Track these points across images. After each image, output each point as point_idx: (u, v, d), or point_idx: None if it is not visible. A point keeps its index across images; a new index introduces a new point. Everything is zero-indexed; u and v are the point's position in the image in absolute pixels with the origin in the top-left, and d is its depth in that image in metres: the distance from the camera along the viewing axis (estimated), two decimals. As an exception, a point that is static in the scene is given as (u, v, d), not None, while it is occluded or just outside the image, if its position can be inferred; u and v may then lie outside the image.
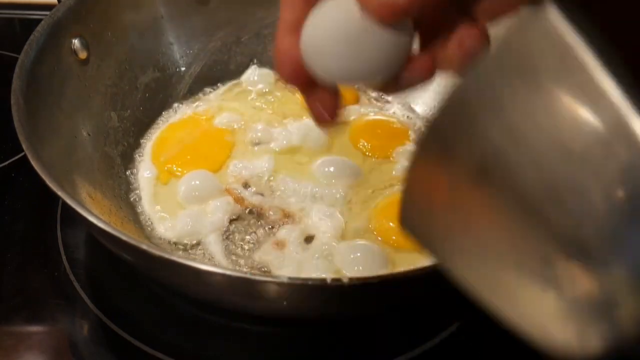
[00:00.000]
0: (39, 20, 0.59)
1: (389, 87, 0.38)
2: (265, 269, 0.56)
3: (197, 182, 0.63)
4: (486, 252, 0.29)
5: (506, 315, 0.28)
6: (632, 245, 0.24)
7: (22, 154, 0.53)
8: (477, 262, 0.29)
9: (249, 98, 0.75)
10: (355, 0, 0.34)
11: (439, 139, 0.30)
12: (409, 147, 0.69)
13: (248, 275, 0.41)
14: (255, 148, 0.68)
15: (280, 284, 0.41)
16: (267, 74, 0.77)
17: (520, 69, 0.27)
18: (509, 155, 0.27)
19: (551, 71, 0.26)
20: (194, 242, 0.58)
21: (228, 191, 0.62)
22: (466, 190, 0.29)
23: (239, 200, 0.61)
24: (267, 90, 0.76)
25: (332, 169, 0.65)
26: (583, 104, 0.25)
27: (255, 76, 0.76)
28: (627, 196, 0.24)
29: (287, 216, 0.61)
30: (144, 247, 0.42)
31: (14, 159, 0.70)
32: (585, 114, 0.25)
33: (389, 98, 0.77)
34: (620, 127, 0.24)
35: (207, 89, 0.77)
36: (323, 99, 0.40)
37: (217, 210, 0.60)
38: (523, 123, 0.26)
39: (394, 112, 0.75)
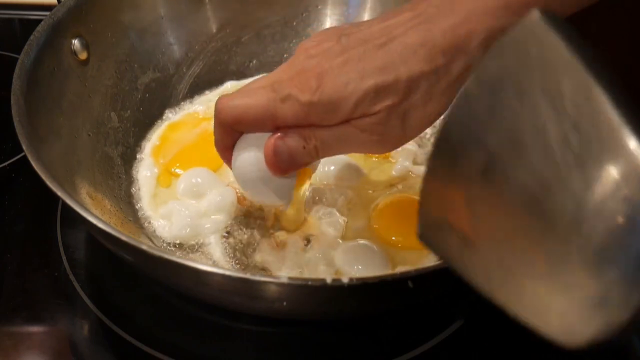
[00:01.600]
0: (39, 21, 0.59)
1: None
2: (266, 270, 0.56)
3: (198, 179, 0.62)
4: (496, 250, 0.30)
5: (514, 308, 0.30)
6: (623, 248, 0.26)
7: (22, 154, 0.53)
8: (488, 260, 0.31)
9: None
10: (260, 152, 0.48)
11: (447, 143, 0.32)
12: (408, 146, 0.69)
13: (248, 276, 0.41)
14: (256, 148, 0.68)
15: (280, 285, 0.41)
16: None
17: (513, 77, 0.29)
18: (507, 156, 0.29)
19: (540, 80, 0.29)
20: (194, 242, 0.58)
21: (231, 186, 0.62)
22: (475, 194, 0.31)
23: (239, 199, 0.61)
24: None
25: (332, 167, 0.65)
26: (567, 111, 0.28)
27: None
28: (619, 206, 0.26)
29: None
30: (144, 247, 0.42)
31: (14, 159, 0.70)
32: (566, 120, 0.27)
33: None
34: (605, 130, 0.26)
35: (207, 89, 0.77)
36: None
37: (217, 210, 0.60)
38: (519, 127, 0.29)
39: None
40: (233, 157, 0.51)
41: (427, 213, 0.34)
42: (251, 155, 0.49)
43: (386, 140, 0.46)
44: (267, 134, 0.47)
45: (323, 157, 0.48)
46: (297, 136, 0.46)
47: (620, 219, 0.26)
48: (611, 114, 0.27)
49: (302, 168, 0.50)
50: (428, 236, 0.34)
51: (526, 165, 0.28)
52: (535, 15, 0.29)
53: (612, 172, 0.26)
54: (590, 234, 0.27)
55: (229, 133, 0.50)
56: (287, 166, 0.48)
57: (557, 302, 0.28)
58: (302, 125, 0.46)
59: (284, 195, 0.53)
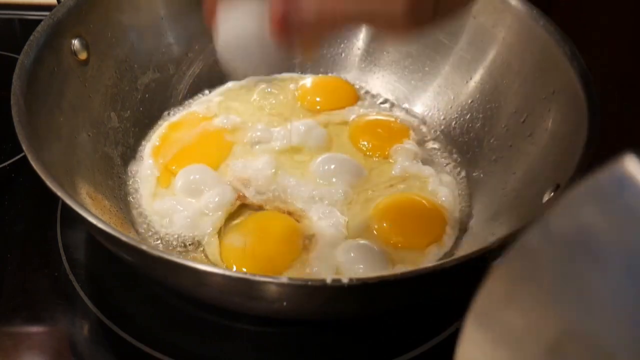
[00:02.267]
0: (38, 21, 0.59)
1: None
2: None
3: (197, 176, 0.62)
4: None
5: None
6: None
7: (22, 154, 0.53)
8: None
9: (250, 98, 0.75)
10: None
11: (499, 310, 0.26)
12: (408, 145, 0.69)
13: (248, 276, 0.41)
14: (256, 147, 0.68)
15: (280, 285, 0.41)
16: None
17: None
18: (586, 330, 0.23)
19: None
20: (194, 242, 0.58)
21: (232, 184, 0.62)
22: None
23: (240, 198, 0.62)
24: (269, 90, 0.76)
25: (332, 166, 0.65)
26: None
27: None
28: None
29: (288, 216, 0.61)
30: (144, 247, 0.42)
31: (14, 159, 0.70)
32: None
33: (390, 97, 0.77)
34: None
35: (207, 89, 0.77)
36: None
37: (217, 209, 0.60)
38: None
39: (393, 112, 0.75)
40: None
41: None
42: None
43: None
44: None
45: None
46: None
47: None
48: None
49: None
50: None
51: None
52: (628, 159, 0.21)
53: None
54: None
55: None
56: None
57: None
58: None
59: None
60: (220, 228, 0.59)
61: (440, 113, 0.74)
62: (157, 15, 0.73)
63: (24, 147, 0.48)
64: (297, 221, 0.60)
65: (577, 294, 0.23)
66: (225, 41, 0.44)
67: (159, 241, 0.59)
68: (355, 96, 0.77)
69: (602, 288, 0.22)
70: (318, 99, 0.75)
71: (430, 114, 0.75)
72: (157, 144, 0.68)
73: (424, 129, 0.73)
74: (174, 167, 0.65)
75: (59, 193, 0.45)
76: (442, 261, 0.57)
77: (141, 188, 0.64)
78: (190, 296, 0.53)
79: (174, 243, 0.59)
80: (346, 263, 0.56)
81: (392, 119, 0.73)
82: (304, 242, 0.58)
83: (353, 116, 0.73)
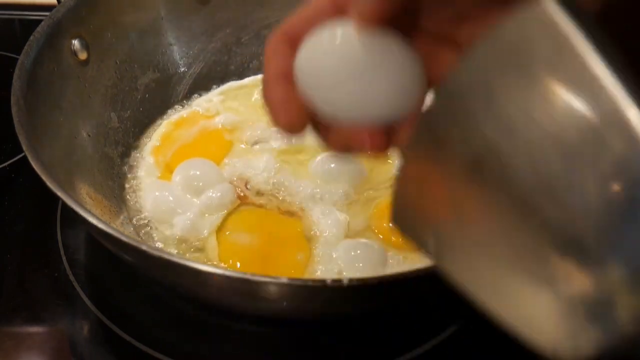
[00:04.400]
0: (39, 21, 0.59)
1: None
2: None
3: (197, 172, 0.62)
4: (479, 250, 0.28)
5: (499, 314, 0.28)
6: (630, 241, 0.24)
7: (22, 154, 0.53)
8: (471, 260, 0.29)
9: (251, 98, 0.75)
10: (348, 22, 0.32)
11: (430, 133, 0.29)
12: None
13: (248, 276, 0.41)
14: (256, 147, 0.68)
15: (280, 285, 0.41)
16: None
17: (514, 58, 0.26)
18: (503, 148, 0.26)
19: (546, 61, 0.25)
20: (195, 241, 0.58)
21: (232, 183, 0.62)
22: (459, 185, 0.28)
23: (240, 197, 0.62)
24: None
25: (332, 165, 0.65)
26: (579, 95, 0.24)
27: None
28: (623, 190, 0.23)
29: (288, 215, 0.61)
30: (144, 247, 0.42)
31: (14, 159, 0.70)
32: (581, 106, 0.24)
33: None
34: (615, 118, 0.23)
35: (208, 89, 0.77)
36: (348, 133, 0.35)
37: (217, 209, 0.60)
38: (517, 115, 0.25)
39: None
40: (299, 70, 0.34)
41: (403, 198, 0.31)
42: (333, 35, 0.33)
43: None
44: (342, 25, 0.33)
45: None
46: None
47: (623, 200, 0.23)
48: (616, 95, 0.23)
49: None
50: (402, 221, 0.32)
51: (524, 156, 0.25)
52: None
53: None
54: (589, 227, 0.24)
55: (289, 47, 0.35)
56: None
57: (548, 307, 0.25)
58: None
59: (396, 92, 0.34)
60: (220, 228, 0.59)
61: (440, 113, 0.74)
62: (157, 16, 0.73)
63: (24, 147, 0.48)
64: (297, 220, 0.60)
65: (499, 113, 0.26)
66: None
67: (159, 241, 0.59)
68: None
69: (521, 108, 0.25)
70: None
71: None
72: (157, 143, 0.68)
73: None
74: (173, 168, 0.65)
75: (59, 193, 0.45)
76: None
77: (141, 188, 0.64)
78: (190, 296, 0.53)
79: (174, 243, 0.59)
80: (346, 262, 0.56)
81: (392, 119, 0.73)
82: (304, 241, 0.58)
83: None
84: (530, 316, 0.27)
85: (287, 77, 0.34)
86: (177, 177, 0.62)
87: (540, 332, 0.26)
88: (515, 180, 0.26)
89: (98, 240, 0.48)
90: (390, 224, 0.32)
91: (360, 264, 0.56)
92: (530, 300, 0.26)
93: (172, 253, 0.57)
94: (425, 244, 0.31)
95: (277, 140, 0.68)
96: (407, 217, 0.31)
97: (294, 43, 0.35)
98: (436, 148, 0.29)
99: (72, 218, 0.62)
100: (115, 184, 0.63)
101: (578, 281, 0.25)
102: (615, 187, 0.23)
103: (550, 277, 0.25)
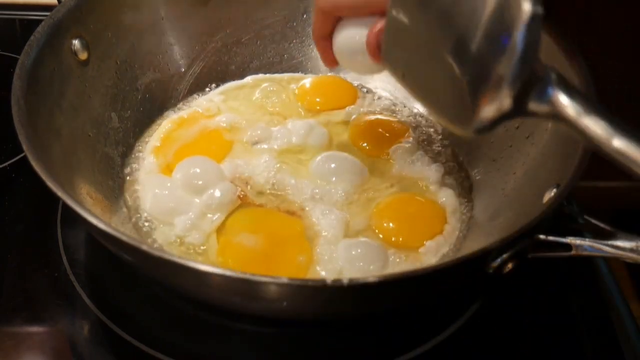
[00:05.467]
0: (39, 21, 0.59)
1: None
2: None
3: (197, 170, 0.62)
4: (421, 61, 0.43)
5: (427, 104, 0.45)
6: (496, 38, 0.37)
7: (23, 154, 0.53)
8: (417, 70, 0.44)
9: (251, 97, 0.75)
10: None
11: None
12: (407, 145, 0.69)
13: (248, 276, 0.40)
14: (256, 147, 0.68)
15: (280, 285, 0.41)
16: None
17: None
18: None
19: None
20: (195, 241, 0.58)
21: (233, 182, 0.62)
22: (414, 18, 0.43)
23: (240, 197, 0.62)
24: (271, 89, 0.76)
25: (333, 165, 0.65)
26: None
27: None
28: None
29: (288, 215, 0.61)
30: (144, 247, 0.42)
31: (14, 159, 0.70)
32: None
33: (390, 97, 0.77)
34: None
35: (208, 89, 0.77)
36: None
37: (218, 209, 0.60)
38: None
39: (394, 111, 0.75)
40: (335, 37, 0.58)
41: (387, 42, 0.45)
42: (352, 35, 0.56)
43: None
44: (366, 19, 0.54)
45: None
46: None
47: None
48: None
49: None
50: (387, 53, 0.46)
51: None
52: None
53: None
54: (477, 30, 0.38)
55: (327, 20, 0.57)
56: None
57: (451, 94, 0.40)
58: None
59: (374, 68, 0.57)
60: (220, 227, 0.59)
61: (441, 113, 0.74)
62: (158, 16, 0.73)
63: (24, 147, 0.48)
64: (298, 220, 0.60)
65: None
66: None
67: (160, 241, 0.59)
68: (355, 96, 0.77)
69: None
70: (318, 99, 0.75)
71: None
72: (158, 143, 0.68)
73: (424, 128, 0.73)
74: (173, 167, 0.65)
75: (59, 193, 0.45)
76: (441, 261, 0.58)
77: (142, 188, 0.64)
78: (190, 296, 0.53)
79: (175, 243, 0.59)
80: (347, 261, 0.56)
81: (392, 119, 0.73)
82: (305, 241, 0.58)
83: (353, 116, 0.73)
84: (442, 102, 0.42)
85: (325, 38, 0.60)
86: (177, 174, 0.62)
87: (452, 113, 0.42)
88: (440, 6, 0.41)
89: (98, 240, 0.48)
90: (379, 57, 0.48)
91: (361, 263, 0.56)
92: (442, 90, 0.41)
93: (172, 253, 0.57)
94: (398, 69, 0.46)
95: (277, 140, 0.68)
96: (389, 49, 0.46)
97: (332, 20, 0.58)
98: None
99: (73, 218, 0.62)
100: (115, 184, 0.63)
101: (471, 71, 0.39)
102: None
103: (451, 71, 0.40)
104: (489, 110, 0.39)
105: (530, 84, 0.38)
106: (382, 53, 0.50)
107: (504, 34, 0.37)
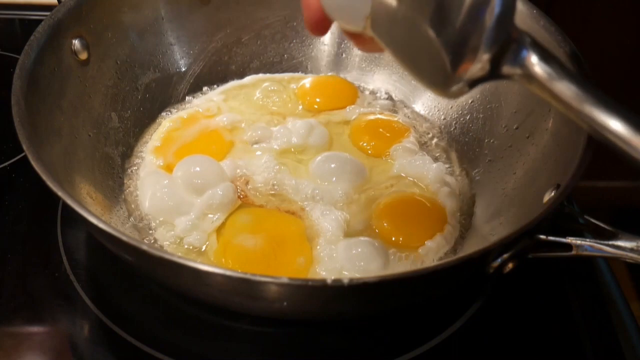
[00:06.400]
0: (39, 21, 0.59)
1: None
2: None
3: (198, 168, 0.62)
4: (403, 27, 0.43)
5: (409, 67, 0.44)
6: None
7: (23, 154, 0.53)
8: (402, 40, 0.44)
9: (251, 97, 0.75)
10: None
11: None
12: (409, 145, 0.69)
13: (248, 276, 0.40)
14: (256, 147, 0.68)
15: (280, 285, 0.41)
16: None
17: None
18: None
19: None
20: (195, 241, 0.58)
21: (233, 182, 0.62)
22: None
23: (240, 197, 0.62)
24: (272, 88, 0.76)
25: (333, 165, 0.65)
26: None
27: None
28: None
29: (289, 215, 0.61)
30: (144, 247, 0.42)
31: (14, 159, 0.70)
32: None
33: (390, 97, 0.77)
34: None
35: (208, 89, 0.77)
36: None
37: (218, 210, 0.60)
38: None
39: (394, 111, 0.75)
40: None
41: (375, 19, 0.44)
42: None
43: None
44: None
45: None
46: None
47: None
48: None
49: None
50: (377, 26, 0.45)
51: None
52: None
53: None
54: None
55: None
56: None
57: (431, 59, 0.40)
58: None
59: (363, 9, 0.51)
60: (220, 227, 0.59)
61: (441, 113, 0.74)
62: (158, 16, 0.73)
63: (24, 147, 0.48)
64: (298, 220, 0.60)
65: None
66: None
67: (160, 241, 0.59)
68: (355, 95, 0.77)
69: None
70: (318, 99, 0.75)
71: (430, 113, 0.75)
72: (158, 143, 0.68)
73: (424, 128, 0.73)
74: (175, 166, 0.65)
75: (59, 193, 0.45)
76: (442, 261, 0.57)
77: (142, 188, 0.64)
78: (190, 296, 0.53)
79: (175, 242, 0.59)
80: (347, 261, 0.56)
81: (393, 119, 0.73)
82: (305, 241, 0.58)
83: (354, 116, 0.73)
84: (420, 64, 0.43)
85: None
86: (178, 172, 0.62)
87: (425, 74, 0.43)
88: None
89: (98, 240, 0.48)
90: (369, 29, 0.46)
91: (361, 263, 0.56)
92: (421, 53, 0.42)
93: (172, 253, 0.57)
94: (386, 38, 0.45)
95: (277, 140, 0.68)
96: (379, 22, 0.45)
97: None
98: None
99: (73, 218, 0.62)
100: (115, 184, 0.63)
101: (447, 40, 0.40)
102: None
103: (430, 35, 0.40)
104: (466, 73, 0.40)
105: (506, 46, 0.39)
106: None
107: None
